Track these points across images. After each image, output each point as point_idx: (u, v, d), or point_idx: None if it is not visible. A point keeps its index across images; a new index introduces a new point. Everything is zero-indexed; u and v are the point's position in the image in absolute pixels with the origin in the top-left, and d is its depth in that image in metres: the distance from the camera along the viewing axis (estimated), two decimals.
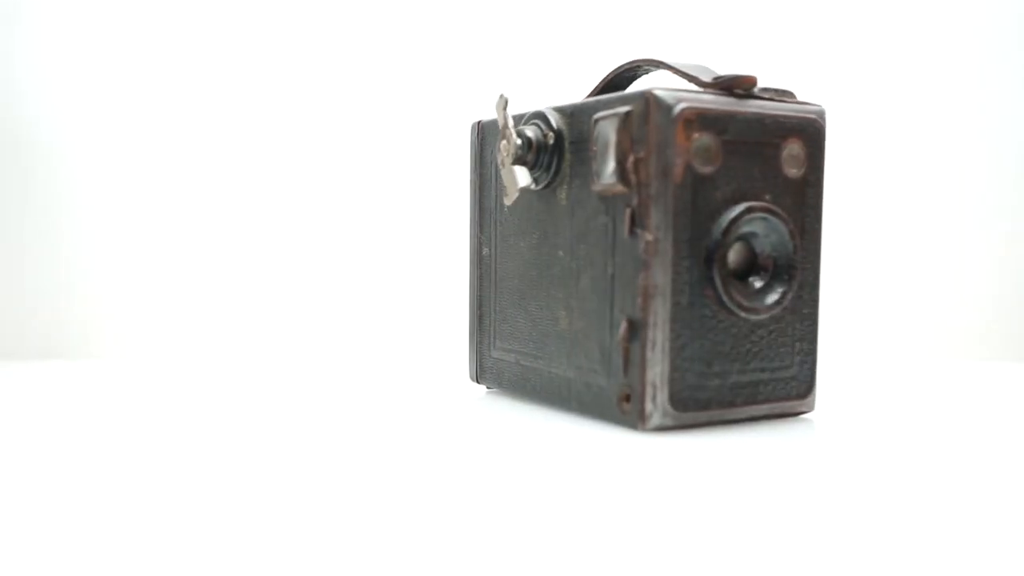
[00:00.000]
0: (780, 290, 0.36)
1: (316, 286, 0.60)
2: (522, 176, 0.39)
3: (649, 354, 0.35)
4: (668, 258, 0.34)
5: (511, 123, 0.39)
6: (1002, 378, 0.53)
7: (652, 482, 0.28)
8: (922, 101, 0.63)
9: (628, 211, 0.35)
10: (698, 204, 0.35)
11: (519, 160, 0.39)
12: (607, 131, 0.35)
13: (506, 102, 0.39)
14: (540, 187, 0.39)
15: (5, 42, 0.57)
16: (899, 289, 0.64)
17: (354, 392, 0.44)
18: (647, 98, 0.34)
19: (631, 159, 0.35)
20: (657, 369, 0.35)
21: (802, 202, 0.37)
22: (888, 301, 0.64)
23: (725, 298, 0.35)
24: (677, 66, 0.38)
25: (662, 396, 0.35)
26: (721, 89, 0.36)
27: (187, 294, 0.60)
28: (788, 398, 0.38)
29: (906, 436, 0.35)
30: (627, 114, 0.35)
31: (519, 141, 0.39)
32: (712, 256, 0.35)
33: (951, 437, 0.35)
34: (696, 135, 0.35)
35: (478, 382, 0.45)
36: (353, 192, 0.60)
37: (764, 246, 0.36)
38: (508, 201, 0.39)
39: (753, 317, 0.36)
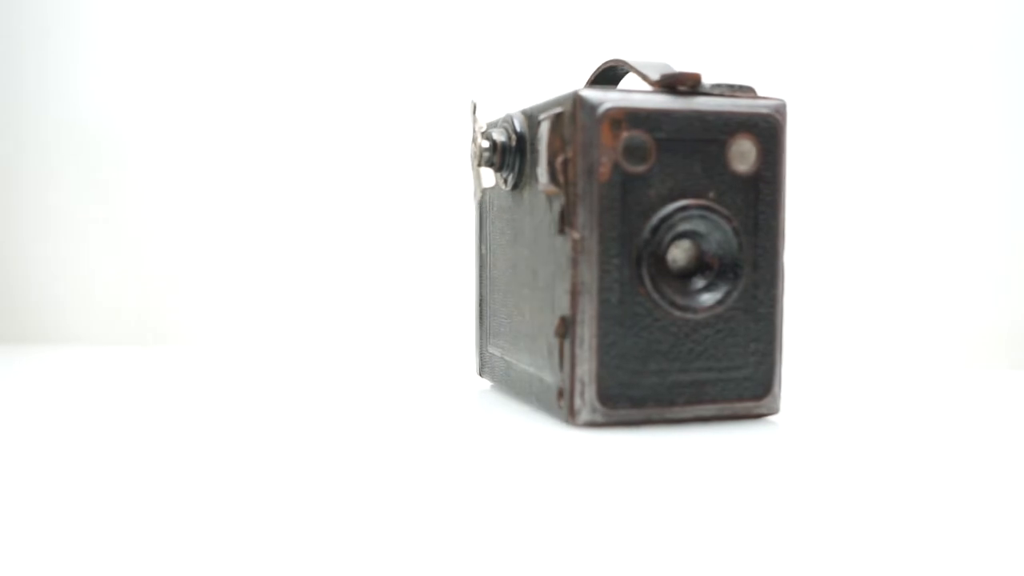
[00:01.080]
0: (724, 289, 0.36)
1: (341, 281, 0.64)
2: (487, 177, 0.40)
3: (578, 351, 0.35)
4: (595, 256, 0.35)
5: (477, 127, 0.40)
6: (988, 385, 0.48)
7: (560, 475, 0.29)
8: (921, 99, 0.58)
9: (558, 211, 0.36)
10: (628, 203, 0.35)
11: (486, 162, 0.40)
12: (543, 132, 0.36)
13: (475, 107, 0.40)
14: (509, 188, 0.40)
15: (68, 41, 0.64)
16: (895, 291, 0.60)
17: (366, 383, 0.47)
18: (574, 98, 0.35)
19: (560, 159, 0.35)
20: (585, 366, 0.35)
21: (755, 199, 0.36)
22: (883, 304, 0.60)
23: (656, 296, 0.35)
24: (635, 65, 0.38)
25: (590, 392, 0.35)
26: (664, 87, 0.36)
27: (201, 286, 0.65)
28: (741, 399, 0.37)
29: (864, 442, 0.34)
30: (559, 115, 0.36)
31: (485, 143, 0.40)
32: (641, 254, 0.35)
33: (910, 444, 0.33)
34: (625, 134, 0.35)
35: (481, 376, 0.47)
36: (380, 189, 0.63)
37: (709, 245, 0.36)
38: (474, 200, 0.40)
39: (690, 316, 0.36)
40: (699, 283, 0.36)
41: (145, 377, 0.49)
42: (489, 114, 0.61)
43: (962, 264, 0.60)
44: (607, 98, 0.35)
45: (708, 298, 0.36)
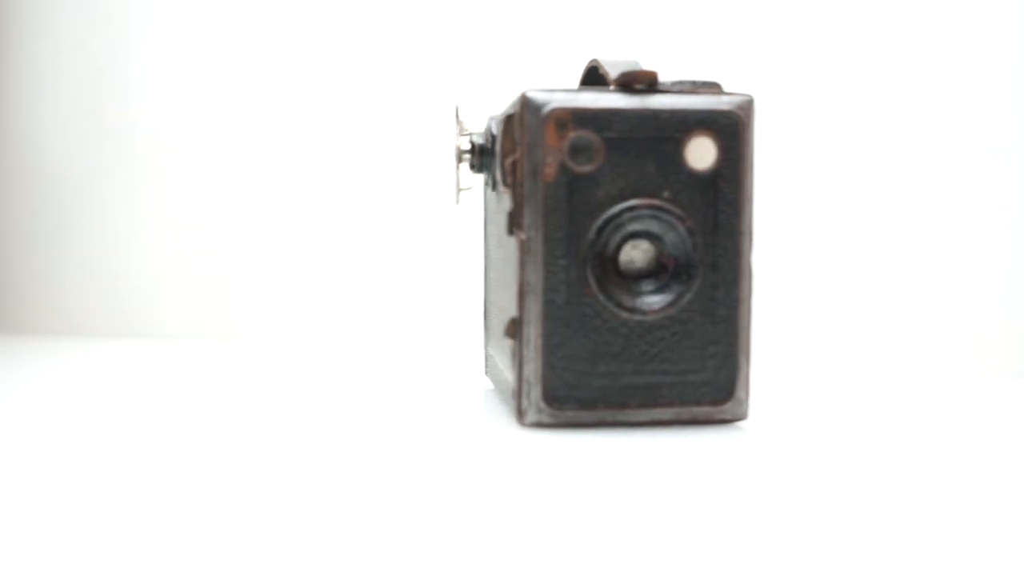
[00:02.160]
0: (676, 291, 0.35)
1: (361, 278, 0.65)
2: (465, 178, 0.41)
3: (524, 351, 0.35)
4: (540, 257, 0.35)
5: (459, 129, 0.41)
6: (967, 392, 0.44)
7: (492, 474, 0.29)
8: (915, 99, 0.54)
9: (507, 212, 0.36)
10: (575, 203, 0.35)
11: (467, 163, 0.41)
12: (498, 134, 0.37)
13: (457, 110, 0.41)
14: (491, 189, 0.41)
15: (152, 49, 0.68)
16: (882, 295, 0.56)
17: (375, 382, 0.49)
18: (521, 99, 0.35)
19: (509, 160, 0.35)
20: (531, 366, 0.35)
21: (714, 198, 0.35)
22: (874, 308, 0.56)
23: (602, 297, 0.35)
24: (602, 63, 0.38)
25: (536, 393, 0.35)
26: (620, 86, 0.36)
27: (207, 283, 0.67)
28: (700, 403, 0.36)
29: (831, 452, 0.32)
30: (509, 117, 0.36)
31: (465, 145, 0.41)
32: (587, 255, 0.35)
33: (879, 454, 0.32)
34: (571, 134, 0.35)
35: (485, 376, 0.47)
36: (401, 189, 0.64)
37: (665, 245, 0.35)
38: (455, 201, 0.41)
39: (639, 318, 0.35)
40: (648, 284, 0.35)
41: (182, 371, 0.52)
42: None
43: (946, 267, 0.57)
44: (553, 98, 0.35)
45: (657, 300, 0.35)
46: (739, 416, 0.36)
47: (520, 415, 0.35)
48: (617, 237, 0.35)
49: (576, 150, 0.35)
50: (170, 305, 0.69)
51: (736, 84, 0.57)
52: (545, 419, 0.35)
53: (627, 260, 0.36)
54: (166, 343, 0.65)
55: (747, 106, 0.36)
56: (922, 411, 0.41)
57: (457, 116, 0.41)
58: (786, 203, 0.58)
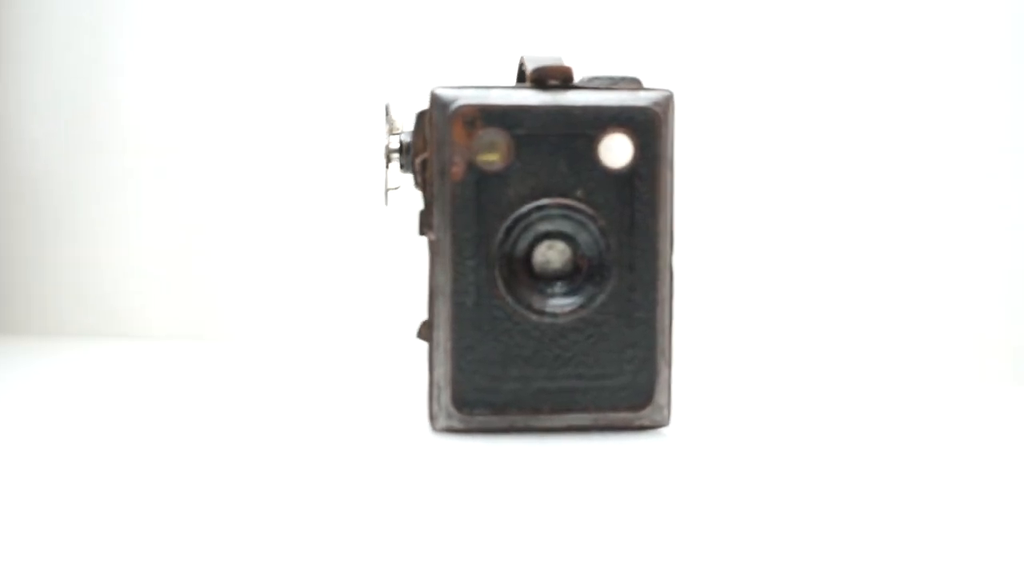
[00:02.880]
0: (587, 293, 0.34)
1: (347, 278, 0.65)
2: (393, 178, 0.40)
3: (435, 354, 0.34)
4: (448, 258, 0.34)
5: (389, 128, 0.40)
6: (911, 400, 0.42)
7: (392, 481, 0.28)
8: (911, 96, 0.52)
9: (419, 212, 0.35)
10: (483, 203, 0.34)
11: (399, 164, 0.40)
12: (412, 132, 0.36)
13: (388, 108, 0.40)
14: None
15: (126, 48, 0.67)
16: (832, 301, 0.55)
17: (320, 384, 0.48)
18: (431, 96, 0.34)
19: (419, 159, 0.35)
20: (441, 370, 0.34)
21: (630, 197, 0.34)
22: (816, 314, 0.55)
23: (511, 300, 0.34)
24: (525, 60, 0.37)
25: (445, 397, 0.34)
26: (534, 82, 0.35)
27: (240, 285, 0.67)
28: (617, 408, 0.35)
29: (754, 457, 0.31)
30: (420, 114, 0.35)
31: (394, 144, 0.40)
32: (496, 256, 0.34)
33: (798, 466, 0.30)
34: (479, 132, 0.34)
35: None
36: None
37: (578, 246, 0.34)
38: (384, 202, 0.40)
39: (548, 320, 0.34)
40: (560, 286, 0.34)
41: (167, 373, 0.52)
42: None
43: (896, 270, 0.55)
44: (461, 96, 0.34)
45: (567, 302, 0.34)
46: (659, 422, 0.35)
47: (431, 420, 0.35)
48: (528, 237, 0.34)
49: (484, 148, 0.34)
50: (157, 306, 0.69)
51: (670, 81, 0.56)
52: (456, 424, 0.34)
53: (543, 261, 0.35)
54: (152, 344, 0.65)
55: (665, 102, 0.34)
56: (852, 415, 0.39)
57: (387, 114, 0.40)
58: (732, 202, 0.57)
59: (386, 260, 0.64)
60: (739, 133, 0.57)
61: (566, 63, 0.36)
